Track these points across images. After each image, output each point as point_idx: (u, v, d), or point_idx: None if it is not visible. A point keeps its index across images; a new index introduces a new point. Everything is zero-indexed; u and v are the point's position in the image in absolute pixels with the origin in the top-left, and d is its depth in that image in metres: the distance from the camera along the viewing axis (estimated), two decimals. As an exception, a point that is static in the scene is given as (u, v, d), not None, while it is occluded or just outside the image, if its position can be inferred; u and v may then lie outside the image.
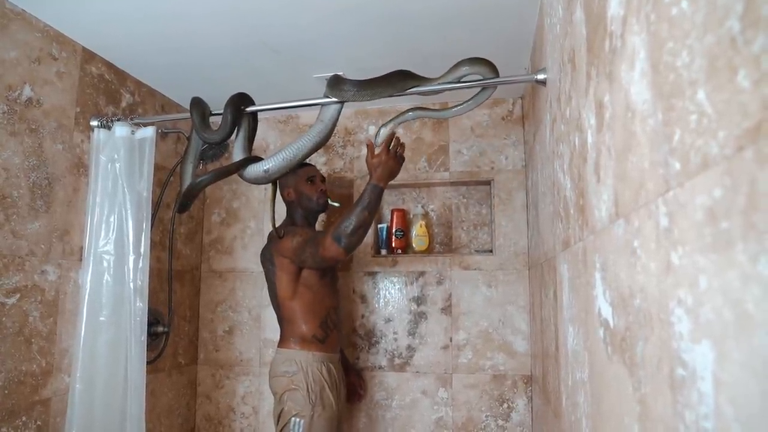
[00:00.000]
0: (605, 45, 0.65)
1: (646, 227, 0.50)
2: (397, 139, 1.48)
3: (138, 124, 1.60)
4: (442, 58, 1.56)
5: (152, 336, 1.83)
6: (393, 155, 1.44)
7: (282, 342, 1.61)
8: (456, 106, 1.47)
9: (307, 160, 2.12)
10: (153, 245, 1.83)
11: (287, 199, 1.71)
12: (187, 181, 1.51)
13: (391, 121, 1.49)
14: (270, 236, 1.66)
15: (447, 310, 2.02)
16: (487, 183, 2.07)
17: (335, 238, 1.40)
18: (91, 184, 1.53)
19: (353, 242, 1.40)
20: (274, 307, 1.65)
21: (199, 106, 1.48)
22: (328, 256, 1.42)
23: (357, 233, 1.40)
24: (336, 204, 1.69)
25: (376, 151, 1.48)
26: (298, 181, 1.70)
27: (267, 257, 1.62)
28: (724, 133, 0.35)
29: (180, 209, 1.47)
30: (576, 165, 0.85)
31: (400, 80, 1.34)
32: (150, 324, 1.77)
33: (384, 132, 1.47)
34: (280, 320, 1.63)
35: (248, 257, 2.21)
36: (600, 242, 0.69)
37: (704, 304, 0.37)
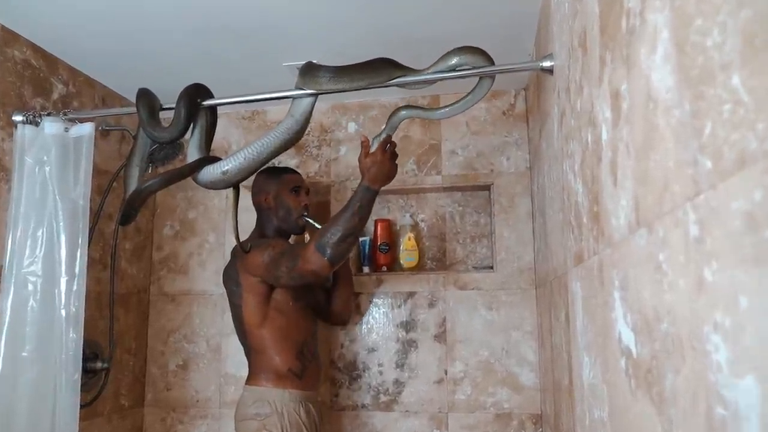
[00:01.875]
0: (622, 25, 0.65)
1: (672, 238, 0.49)
2: (389, 137, 1.50)
3: (73, 120, 1.58)
4: (433, 45, 1.56)
5: (88, 374, 1.79)
6: (390, 156, 1.45)
7: (251, 378, 1.59)
8: (450, 104, 1.48)
9: (280, 163, 2.10)
10: (91, 264, 1.79)
11: (262, 206, 1.71)
12: (133, 186, 1.50)
13: (383, 130, 1.52)
14: (234, 251, 1.65)
15: (441, 337, 2.01)
16: (486, 188, 2.08)
17: (319, 248, 1.38)
18: (13, 191, 1.50)
19: (340, 253, 1.38)
20: (239, 336, 1.64)
21: (147, 98, 1.46)
22: (310, 269, 1.40)
23: (345, 242, 1.38)
24: (316, 225, 1.68)
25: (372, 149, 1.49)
26: (281, 188, 1.70)
27: (231, 276, 1.61)
28: (763, 125, 0.34)
29: (123, 221, 1.45)
30: (589, 165, 0.85)
31: (384, 68, 1.35)
32: (86, 359, 1.73)
33: (378, 142, 1.50)
34: (248, 352, 1.62)
35: (207, 277, 2.19)
36: (618, 256, 0.68)
37: (745, 329, 0.36)
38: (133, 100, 1.46)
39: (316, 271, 1.39)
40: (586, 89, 0.86)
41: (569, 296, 1.09)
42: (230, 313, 1.65)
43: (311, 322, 1.69)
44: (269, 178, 1.73)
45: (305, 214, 1.71)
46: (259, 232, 1.71)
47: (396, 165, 1.46)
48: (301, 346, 1.60)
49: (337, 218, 1.41)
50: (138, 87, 1.50)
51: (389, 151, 1.46)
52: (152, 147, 1.59)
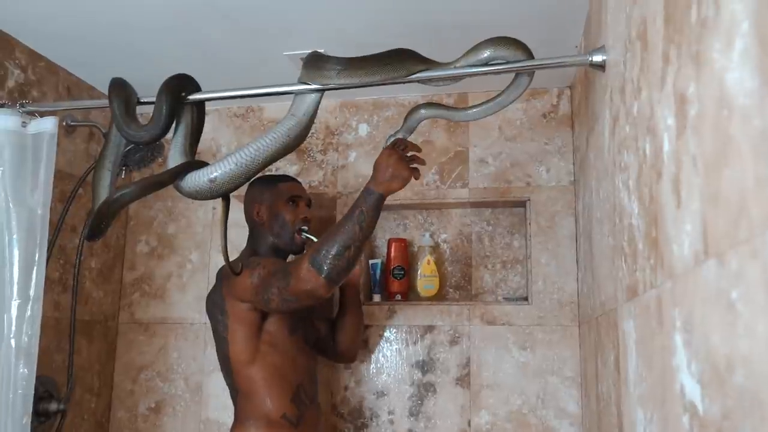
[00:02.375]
0: (691, 14, 0.65)
1: (749, 271, 0.49)
2: (401, 140, 1.51)
3: (32, 113, 1.60)
4: (462, 34, 1.57)
5: (40, 417, 1.79)
6: (402, 156, 1.45)
7: (237, 426, 1.59)
8: (481, 104, 1.48)
9: (277, 170, 2.11)
10: (49, 285, 1.80)
11: (255, 220, 1.73)
12: (103, 194, 1.50)
13: (398, 131, 1.53)
14: (220, 273, 1.65)
15: (464, 380, 2.00)
16: (521, 204, 2.08)
17: (313, 264, 1.38)
18: (-41, 196, 1.52)
19: (339, 269, 1.38)
20: (224, 375, 1.64)
21: (121, 90, 1.47)
22: (304, 289, 1.39)
23: (344, 257, 1.38)
24: (314, 239, 1.69)
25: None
26: (276, 198, 1.72)
27: (215, 303, 1.61)
28: None
29: (91, 235, 1.45)
30: (646, 182, 0.84)
31: (403, 60, 1.35)
32: (38, 399, 1.73)
33: (394, 139, 1.52)
34: (234, 394, 1.62)
35: (188, 303, 2.19)
36: (681, 291, 0.68)
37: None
38: (105, 91, 1.47)
39: (312, 291, 1.39)
40: (645, 90, 0.86)
41: (620, 337, 1.08)
42: (214, 347, 1.65)
43: (310, 359, 1.69)
44: (263, 188, 1.74)
45: (304, 228, 1.72)
46: (251, 250, 1.72)
47: (411, 168, 1.46)
48: (298, 387, 1.60)
49: (334, 228, 1.41)
50: (111, 76, 1.51)
51: (401, 151, 1.46)
52: (127, 148, 1.60)
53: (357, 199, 1.43)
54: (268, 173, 1.93)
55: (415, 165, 1.48)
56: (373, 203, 1.42)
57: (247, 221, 1.77)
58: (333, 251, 1.37)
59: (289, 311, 1.55)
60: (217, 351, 1.64)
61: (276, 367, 1.58)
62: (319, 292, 1.38)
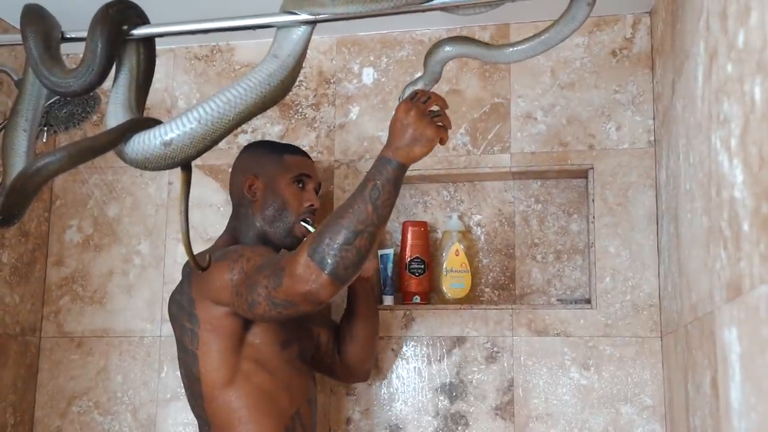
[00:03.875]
0: None
1: None
2: (421, 92, 1.50)
3: None
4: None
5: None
6: (423, 111, 1.44)
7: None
8: (526, 39, 1.47)
9: (260, 134, 2.10)
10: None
11: (243, 196, 1.76)
12: (18, 165, 1.49)
13: (419, 78, 1.55)
14: (188, 267, 1.66)
15: (506, 410, 2.00)
16: (583, 174, 2.08)
17: (314, 256, 1.38)
18: None
19: (347, 263, 1.38)
20: (191, 403, 1.66)
21: (39, 22, 1.46)
22: (300, 291, 1.39)
23: (354, 246, 1.38)
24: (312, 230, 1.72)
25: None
26: (278, 173, 1.75)
27: (182, 306, 1.63)
28: None
29: (2, 220, 1.44)
30: (755, 139, 0.83)
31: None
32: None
33: (412, 90, 1.53)
34: (206, 428, 1.63)
35: (136, 309, 2.20)
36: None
37: None
38: (16, 24, 1.46)
39: (311, 293, 1.39)
40: (756, 12, 0.84)
41: (718, 351, 1.08)
42: (176, 366, 1.66)
43: (308, 381, 1.71)
44: (263, 156, 1.76)
45: (308, 220, 1.73)
46: (231, 237, 1.74)
47: (437, 127, 1.45)
48: (293, 419, 1.62)
49: (339, 209, 1.42)
50: (24, 2, 1.48)
51: (422, 106, 1.45)
52: (49, 101, 1.59)
53: (369, 171, 1.44)
54: (265, 140, 1.94)
55: (441, 124, 1.47)
56: (391, 175, 1.42)
57: (231, 196, 1.79)
58: (339, 239, 1.37)
59: (281, 320, 1.55)
60: (181, 370, 1.65)
61: (263, 392, 1.59)
62: (320, 294, 1.39)
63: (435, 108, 1.47)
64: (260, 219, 1.73)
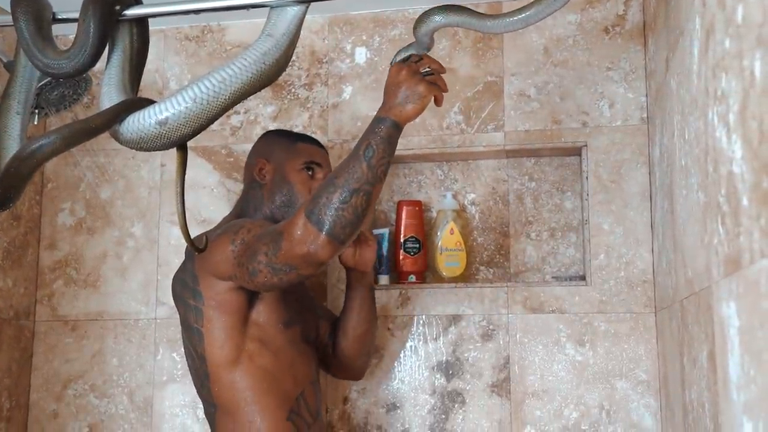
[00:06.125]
0: None
1: None
2: (425, 56, 1.51)
3: None
4: None
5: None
6: (416, 68, 1.45)
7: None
8: (517, 11, 1.45)
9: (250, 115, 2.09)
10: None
11: (253, 180, 1.77)
12: (11, 148, 1.48)
13: (410, 45, 1.53)
14: (189, 250, 1.66)
15: (502, 388, 2.01)
16: (576, 152, 2.09)
17: (311, 217, 1.39)
18: None
19: (345, 222, 1.38)
20: (197, 384, 1.66)
21: (30, 2, 1.44)
22: (299, 253, 1.40)
23: (350, 204, 1.38)
24: None
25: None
26: (289, 159, 1.75)
27: (186, 284, 1.63)
28: None
29: (-4, 203, 1.44)
30: (754, 114, 0.83)
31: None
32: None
33: (404, 55, 1.53)
34: (212, 410, 1.64)
35: (130, 292, 2.20)
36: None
37: None
38: (6, 5, 1.45)
39: (310, 255, 1.39)
40: None
41: (716, 325, 1.08)
42: (171, 349, 1.66)
43: (311, 362, 1.72)
44: (276, 142, 1.78)
45: None
46: (236, 218, 1.74)
47: (429, 84, 1.44)
48: (297, 400, 1.63)
49: (335, 172, 1.43)
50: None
51: (414, 66, 1.46)
52: (42, 83, 1.58)
53: (364, 133, 1.44)
54: (282, 129, 1.95)
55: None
56: (385, 134, 1.42)
57: (244, 179, 1.81)
58: (335, 199, 1.37)
59: (282, 287, 1.53)
60: (186, 351, 1.66)
61: (267, 373, 1.60)
62: (319, 254, 1.39)
63: (427, 69, 1.47)
64: (269, 203, 1.74)
